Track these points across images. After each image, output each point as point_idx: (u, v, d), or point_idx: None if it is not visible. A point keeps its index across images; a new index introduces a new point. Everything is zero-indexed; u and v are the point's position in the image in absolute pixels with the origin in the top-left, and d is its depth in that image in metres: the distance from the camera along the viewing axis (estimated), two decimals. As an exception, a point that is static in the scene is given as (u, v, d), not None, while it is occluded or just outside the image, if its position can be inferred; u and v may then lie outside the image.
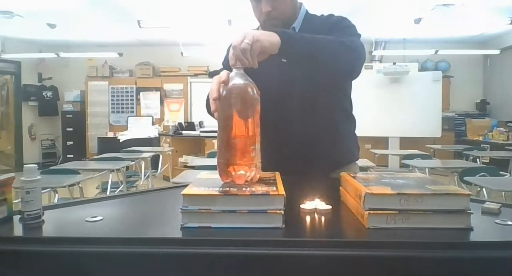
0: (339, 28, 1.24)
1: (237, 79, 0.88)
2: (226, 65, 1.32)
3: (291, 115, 1.28)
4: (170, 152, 5.99)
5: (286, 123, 1.28)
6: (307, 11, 1.34)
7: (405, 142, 6.74)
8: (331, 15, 1.32)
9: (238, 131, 0.87)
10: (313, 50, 1.06)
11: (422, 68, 7.41)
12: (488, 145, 6.02)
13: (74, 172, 3.35)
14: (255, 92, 0.88)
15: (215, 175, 0.91)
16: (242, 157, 0.86)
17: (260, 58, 0.96)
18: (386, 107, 6.83)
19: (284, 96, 1.27)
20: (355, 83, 1.31)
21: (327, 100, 1.29)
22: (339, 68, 1.13)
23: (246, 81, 0.88)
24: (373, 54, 7.29)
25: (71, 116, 7.93)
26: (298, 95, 1.26)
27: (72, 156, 7.58)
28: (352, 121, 1.41)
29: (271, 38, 0.98)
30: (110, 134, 7.54)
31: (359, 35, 1.24)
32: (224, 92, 0.87)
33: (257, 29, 1.31)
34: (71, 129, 7.89)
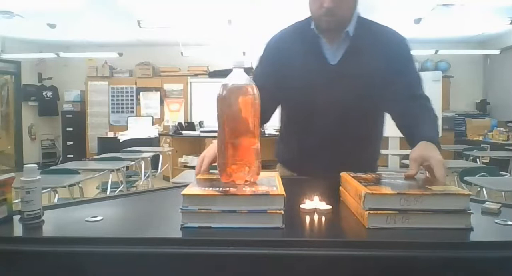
0: (400, 58, 1.23)
1: (237, 79, 0.88)
2: (264, 62, 1.31)
3: (325, 119, 1.25)
4: (170, 152, 5.99)
5: (322, 126, 1.26)
6: (359, 14, 1.28)
7: (405, 142, 6.72)
8: (388, 29, 1.28)
9: (238, 131, 0.87)
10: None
11: (422, 68, 7.40)
12: (488, 145, 6.02)
13: (74, 172, 3.34)
14: (255, 92, 0.88)
15: (215, 175, 0.91)
16: (242, 157, 0.86)
17: None
18: (386, 107, 6.81)
19: (325, 98, 1.24)
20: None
21: (366, 114, 1.27)
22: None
23: (246, 81, 0.88)
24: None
25: (71, 116, 7.93)
26: (340, 101, 1.23)
27: (72, 156, 7.58)
28: (380, 135, 1.39)
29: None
30: (110, 134, 7.53)
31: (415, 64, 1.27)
32: (225, 92, 0.87)
33: (304, 22, 1.28)
34: (71, 129, 7.88)
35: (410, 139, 1.09)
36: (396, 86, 1.19)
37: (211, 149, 1.04)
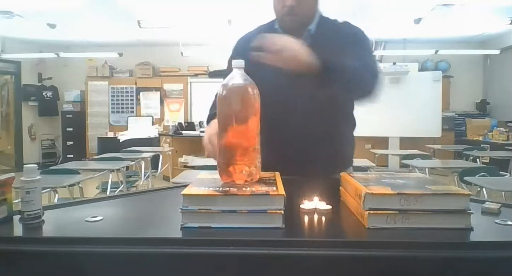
0: (355, 40, 1.25)
1: (237, 79, 0.88)
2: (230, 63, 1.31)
3: (294, 117, 1.27)
4: (170, 152, 5.99)
5: (288, 124, 1.27)
6: (321, 13, 1.33)
7: (405, 142, 6.74)
8: (346, 23, 1.31)
9: (238, 131, 0.87)
10: (344, 78, 1.08)
11: (422, 68, 7.41)
12: (488, 145, 6.01)
13: (74, 172, 3.34)
14: (255, 92, 0.88)
15: (215, 175, 0.91)
16: (243, 157, 0.86)
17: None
18: (386, 107, 6.80)
19: (289, 98, 1.26)
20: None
21: (333, 105, 1.28)
22: (363, 96, 1.17)
23: (246, 81, 0.88)
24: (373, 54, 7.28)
25: (71, 116, 7.92)
26: (304, 96, 1.25)
27: (72, 156, 7.58)
28: (353, 123, 1.40)
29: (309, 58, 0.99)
30: (110, 134, 7.53)
31: (373, 51, 1.26)
32: (224, 92, 0.87)
33: (269, 23, 1.31)
34: (71, 129, 7.88)
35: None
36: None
37: (212, 131, 1.06)
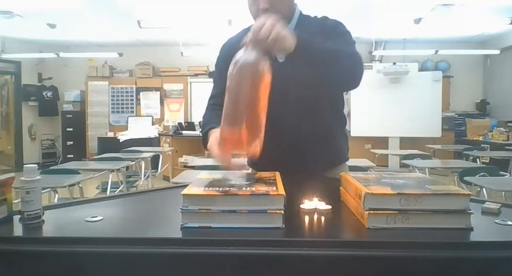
0: (335, 33, 1.24)
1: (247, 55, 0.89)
2: (220, 66, 1.32)
3: (285, 114, 1.26)
4: (170, 152, 5.99)
5: (280, 122, 1.26)
6: (301, 12, 1.34)
7: (405, 142, 6.74)
8: (325, 18, 1.32)
9: (250, 103, 0.88)
10: (322, 58, 1.07)
11: (422, 68, 7.41)
12: (488, 145, 6.01)
13: (74, 172, 3.34)
14: (266, 68, 0.89)
15: (215, 175, 0.91)
16: (251, 128, 0.86)
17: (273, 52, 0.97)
18: (386, 107, 6.82)
19: (279, 95, 1.25)
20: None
21: (322, 102, 1.30)
22: (343, 80, 1.15)
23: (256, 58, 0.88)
24: (373, 54, 7.28)
25: (71, 116, 7.93)
26: (293, 95, 1.26)
27: (72, 156, 7.58)
28: (343, 120, 1.42)
29: (291, 39, 0.98)
30: (110, 134, 7.53)
31: (355, 42, 1.25)
32: (239, 63, 0.88)
33: (245, 29, 1.31)
34: (71, 129, 7.88)
35: None
36: None
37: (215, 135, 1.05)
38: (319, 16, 1.33)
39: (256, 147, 0.89)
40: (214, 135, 1.07)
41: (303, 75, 1.22)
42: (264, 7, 1.20)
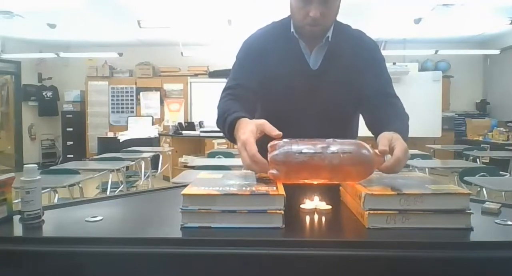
0: (374, 60, 1.26)
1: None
2: (245, 61, 1.27)
3: (306, 122, 1.24)
4: (170, 152, 5.99)
5: (299, 126, 1.23)
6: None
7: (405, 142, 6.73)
8: (361, 34, 1.30)
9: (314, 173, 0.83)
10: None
11: (422, 68, 7.41)
12: (488, 145, 6.01)
13: (74, 172, 3.34)
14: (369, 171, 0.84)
15: (215, 175, 0.91)
16: (289, 175, 0.83)
17: None
18: (386, 107, 6.81)
19: (306, 103, 1.24)
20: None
21: (346, 117, 1.30)
22: None
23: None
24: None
25: (71, 116, 7.92)
26: (319, 105, 1.24)
27: (72, 156, 7.58)
28: (356, 132, 1.40)
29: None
30: (110, 134, 7.53)
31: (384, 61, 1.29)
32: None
33: (284, 24, 1.27)
34: (71, 129, 7.88)
35: (379, 133, 1.08)
36: (372, 87, 1.23)
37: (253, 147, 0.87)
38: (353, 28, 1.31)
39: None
40: (250, 138, 0.88)
41: (334, 89, 1.22)
42: (316, 16, 1.14)
